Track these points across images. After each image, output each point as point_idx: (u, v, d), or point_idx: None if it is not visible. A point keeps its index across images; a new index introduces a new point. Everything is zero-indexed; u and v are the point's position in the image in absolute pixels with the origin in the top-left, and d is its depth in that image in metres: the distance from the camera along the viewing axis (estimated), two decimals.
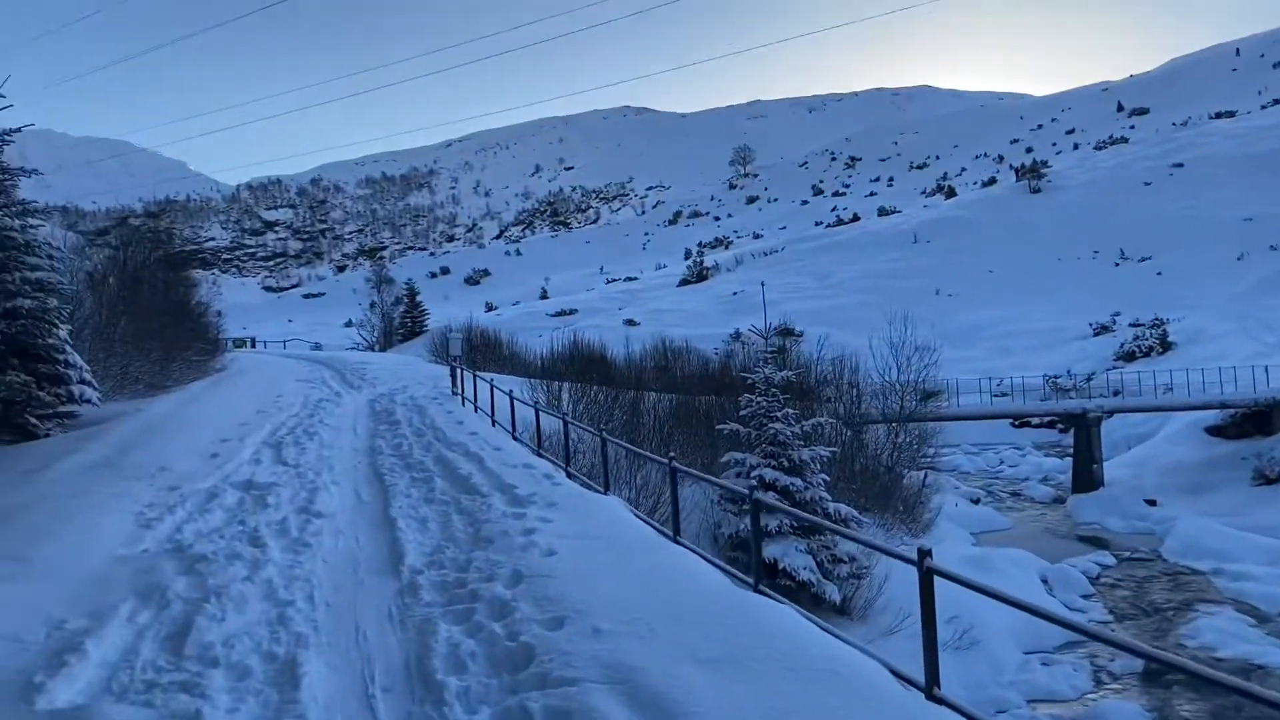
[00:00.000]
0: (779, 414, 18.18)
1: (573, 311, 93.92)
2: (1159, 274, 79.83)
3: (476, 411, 19.52)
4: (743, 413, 18.51)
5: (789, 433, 18.04)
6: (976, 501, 36.53)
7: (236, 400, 19.66)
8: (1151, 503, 33.02)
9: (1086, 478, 35.50)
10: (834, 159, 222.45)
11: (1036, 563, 24.16)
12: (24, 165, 16.29)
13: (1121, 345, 62.66)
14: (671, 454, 10.25)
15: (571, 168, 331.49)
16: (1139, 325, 65.76)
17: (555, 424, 16.07)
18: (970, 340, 71.27)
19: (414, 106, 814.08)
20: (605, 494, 11.77)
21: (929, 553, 5.60)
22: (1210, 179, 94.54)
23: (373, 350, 63.49)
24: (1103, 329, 69.72)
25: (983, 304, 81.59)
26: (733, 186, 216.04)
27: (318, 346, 64.94)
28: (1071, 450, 52.43)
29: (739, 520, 17.67)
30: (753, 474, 17.86)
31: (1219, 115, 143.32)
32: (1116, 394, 51.11)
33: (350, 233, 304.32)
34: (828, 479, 18.61)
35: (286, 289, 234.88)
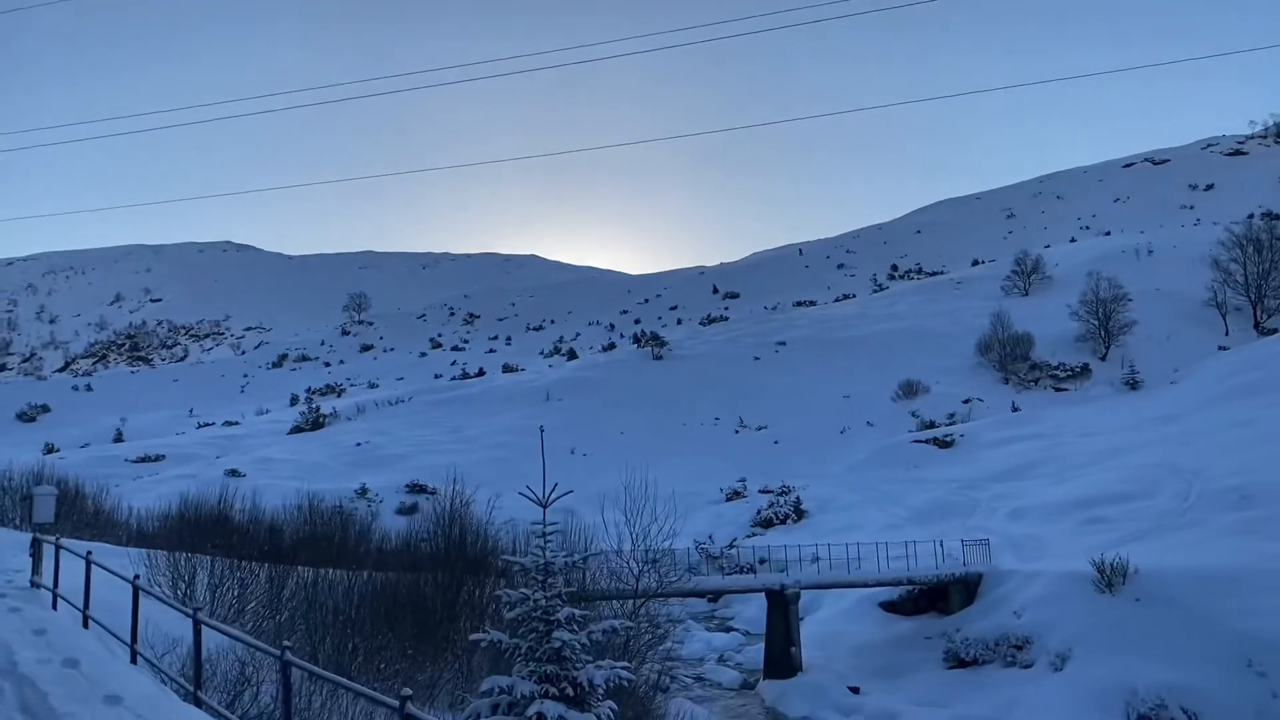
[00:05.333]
0: (561, 616, 12.55)
1: (159, 457, 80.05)
2: (776, 443, 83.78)
3: (88, 626, 11.39)
4: (511, 615, 12.63)
5: (577, 644, 12.44)
6: (665, 690, 32.20)
7: None
8: (855, 690, 30.64)
9: (783, 661, 32.52)
10: (453, 314, 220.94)
11: None
12: None
13: (758, 512, 63.35)
14: None
15: (159, 300, 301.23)
16: (768, 491, 67.26)
17: (221, 643, 9.01)
18: (610, 502, 69.15)
19: None
20: None
21: None
22: (809, 358, 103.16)
23: None
24: (734, 494, 70.73)
25: (617, 465, 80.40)
26: (345, 333, 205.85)
27: None
28: (730, 624, 51.16)
29: None
30: (529, 711, 11.99)
31: (800, 304, 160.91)
32: (763, 562, 50.48)
33: None
34: (616, 708, 13.13)
35: None
